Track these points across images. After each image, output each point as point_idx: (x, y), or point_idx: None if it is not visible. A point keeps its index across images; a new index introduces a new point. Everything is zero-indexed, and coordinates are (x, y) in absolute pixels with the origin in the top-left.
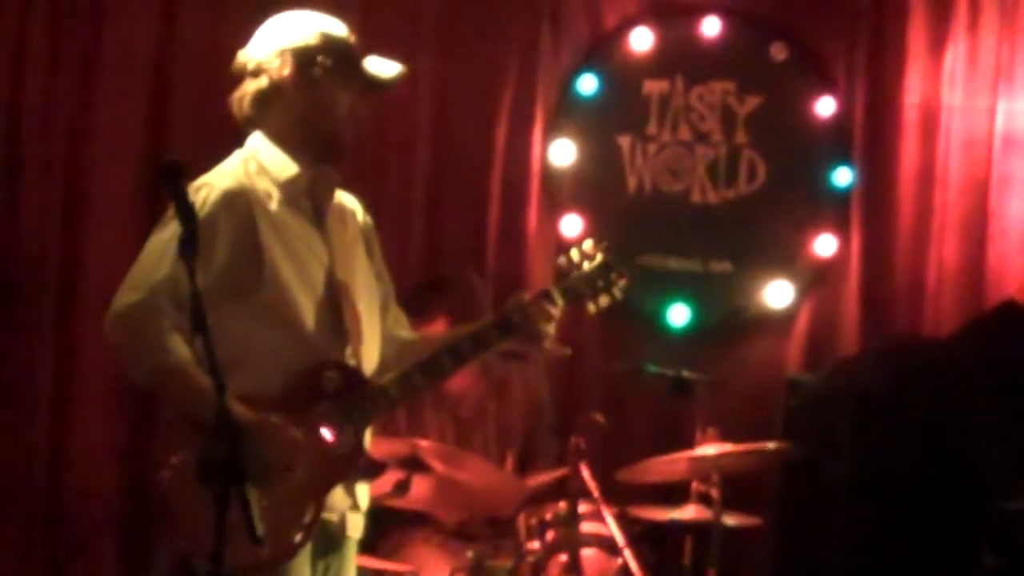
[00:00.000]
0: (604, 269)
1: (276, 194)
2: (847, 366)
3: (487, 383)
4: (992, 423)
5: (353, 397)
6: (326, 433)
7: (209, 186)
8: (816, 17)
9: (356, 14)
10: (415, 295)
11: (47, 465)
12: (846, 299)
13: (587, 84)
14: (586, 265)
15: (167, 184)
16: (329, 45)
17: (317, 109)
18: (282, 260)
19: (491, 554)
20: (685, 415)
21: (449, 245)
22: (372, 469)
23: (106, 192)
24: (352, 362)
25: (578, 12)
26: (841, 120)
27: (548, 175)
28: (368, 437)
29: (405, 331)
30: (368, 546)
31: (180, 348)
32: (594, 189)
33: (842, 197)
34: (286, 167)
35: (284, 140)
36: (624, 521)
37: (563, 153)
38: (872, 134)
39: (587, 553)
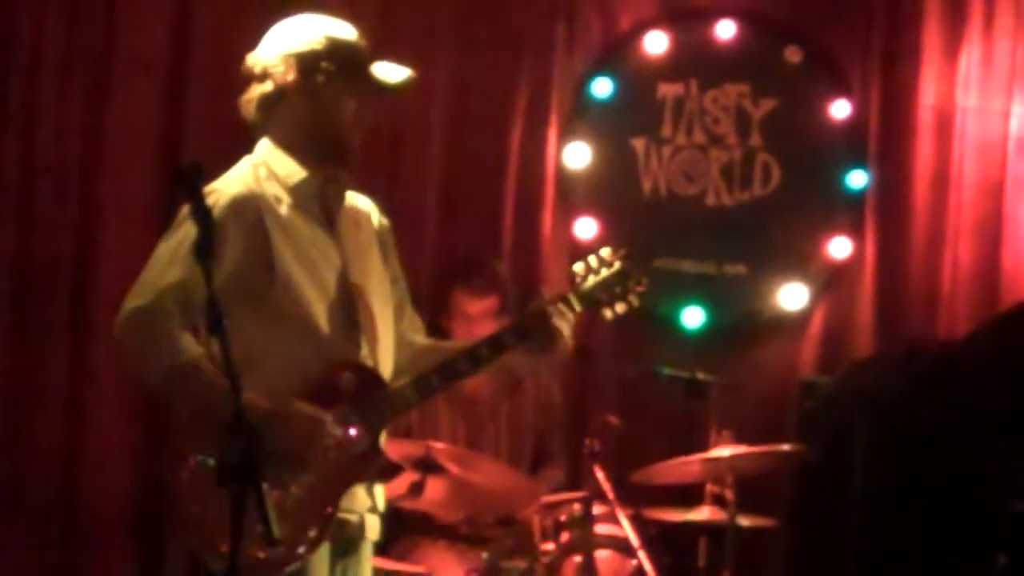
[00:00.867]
0: (622, 276)
1: (286, 198)
2: (861, 369)
3: (500, 382)
4: (1007, 425)
5: (370, 398)
6: (350, 431)
7: (218, 192)
8: (831, 20)
9: (371, 18)
10: (469, 270)
11: (61, 465)
12: (860, 302)
13: (602, 87)
14: (604, 271)
15: (185, 187)
16: (334, 49)
17: (320, 114)
18: (293, 263)
19: (505, 555)
20: (699, 417)
21: (464, 248)
22: (388, 470)
23: (120, 195)
24: (368, 363)
25: (592, 15)
26: (856, 123)
27: (563, 178)
28: (384, 438)
29: (420, 336)
30: (381, 547)
31: (192, 346)
32: (609, 192)
33: (857, 199)
34: (294, 172)
35: (290, 145)
36: (639, 523)
37: (578, 156)
38: (887, 137)
39: (601, 555)
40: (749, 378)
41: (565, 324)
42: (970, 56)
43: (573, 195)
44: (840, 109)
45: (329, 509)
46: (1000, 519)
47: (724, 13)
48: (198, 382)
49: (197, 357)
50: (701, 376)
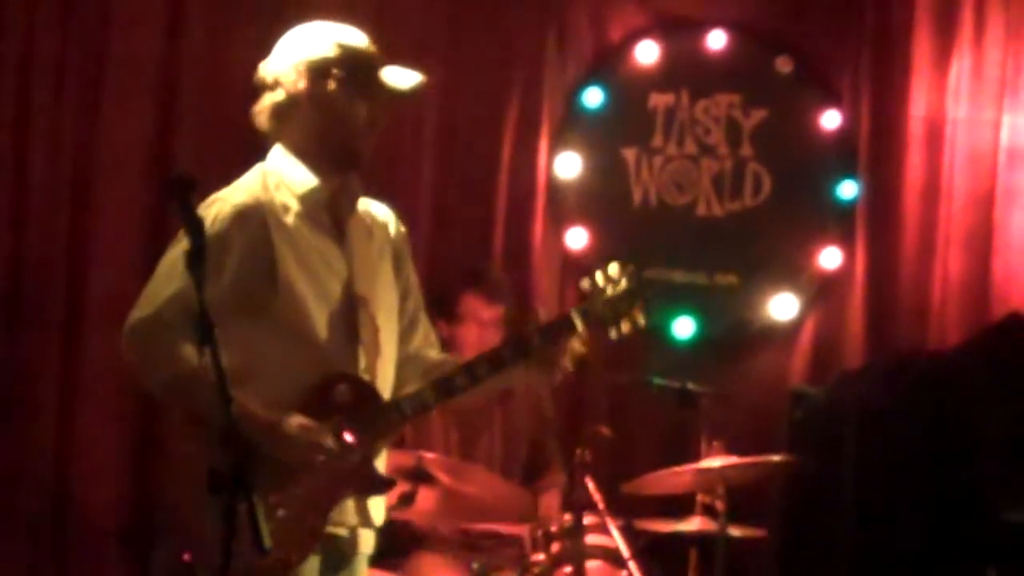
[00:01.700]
0: (628, 295)
1: (295, 207)
2: (852, 379)
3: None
4: (997, 436)
5: (364, 411)
6: (342, 443)
7: (222, 201)
8: (821, 30)
9: (364, 28)
10: (482, 275)
11: (52, 471)
12: (851, 312)
13: (593, 97)
14: (610, 290)
15: (175, 198)
16: (345, 56)
17: (333, 121)
18: (297, 274)
19: (496, 566)
20: (690, 427)
21: (455, 257)
22: (380, 484)
23: (112, 200)
24: (366, 376)
25: (583, 25)
26: (846, 133)
27: (554, 188)
28: (380, 452)
29: (434, 350)
30: (372, 558)
31: (191, 357)
32: (600, 202)
33: (847, 210)
34: (306, 180)
35: (302, 152)
36: (629, 533)
37: (569, 166)
38: (877, 147)
39: (592, 565)
40: (740, 388)
41: (564, 344)
42: (960, 67)
43: (564, 205)
44: (831, 120)
45: (318, 522)
46: (991, 529)
47: (715, 23)
48: (198, 391)
49: (196, 367)
50: (692, 386)
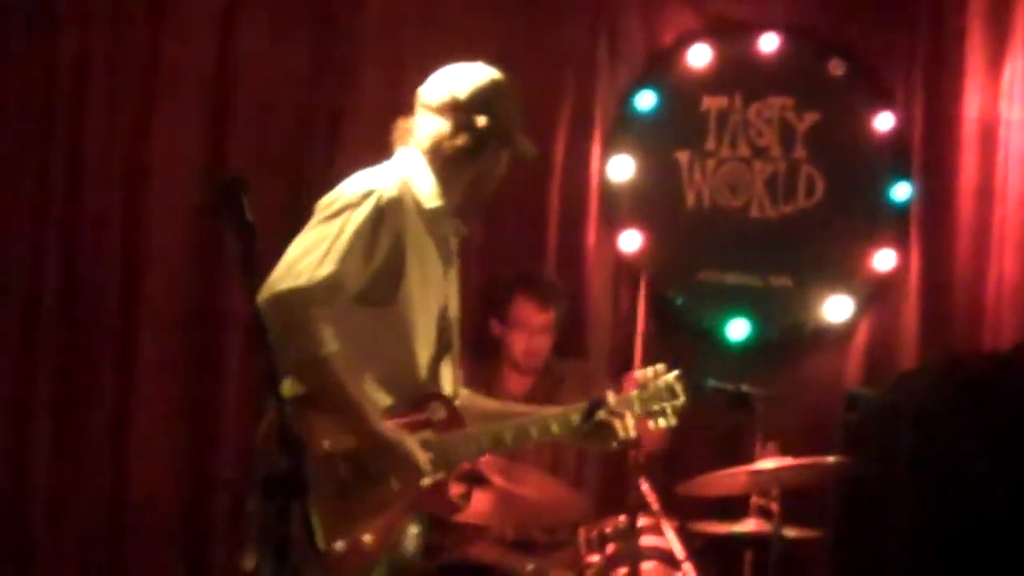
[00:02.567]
0: (668, 391)
1: (418, 219)
2: (907, 380)
3: (543, 385)
4: None
5: (451, 434)
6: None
7: (379, 193)
8: (874, 33)
9: (414, 31)
10: (534, 280)
11: (109, 473)
12: (905, 314)
13: (645, 100)
14: (653, 385)
15: (227, 201)
16: (516, 110)
17: (483, 164)
18: (416, 283)
19: (550, 566)
20: (745, 429)
21: (508, 261)
22: (449, 507)
23: (165, 207)
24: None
25: (636, 29)
26: (899, 135)
27: (606, 191)
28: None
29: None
30: (428, 558)
31: (332, 341)
32: (653, 205)
33: (901, 212)
34: (434, 197)
35: (443, 173)
36: (684, 534)
37: (621, 169)
38: (930, 149)
39: (647, 566)
40: (794, 390)
41: (624, 424)
42: (1013, 68)
43: (617, 208)
44: (884, 122)
45: (393, 530)
46: None
47: (767, 26)
48: (330, 377)
49: (335, 353)
50: (746, 388)
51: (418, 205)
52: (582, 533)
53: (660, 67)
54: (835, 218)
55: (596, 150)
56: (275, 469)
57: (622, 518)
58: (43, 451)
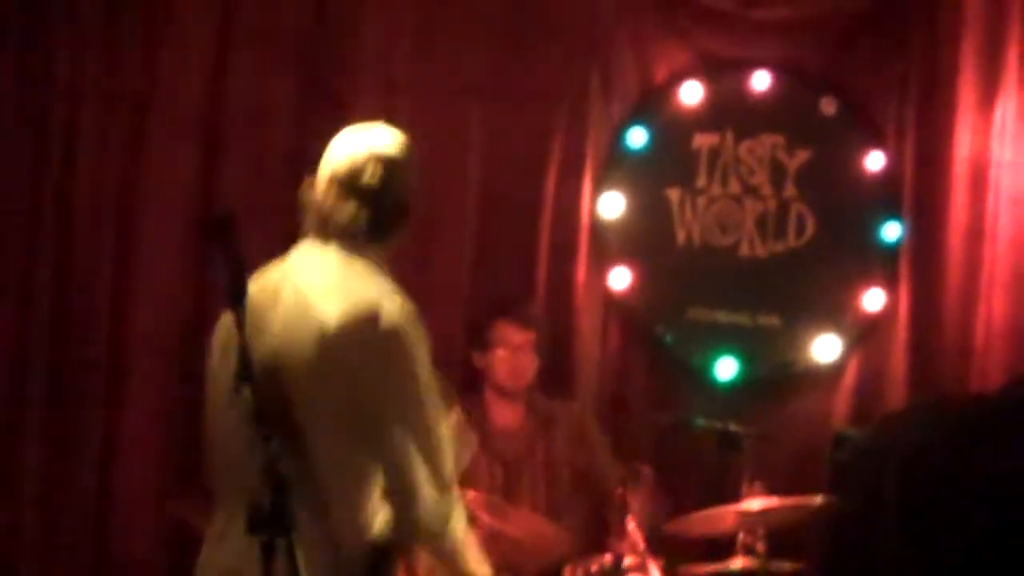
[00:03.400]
0: None
1: None
2: (894, 421)
3: (534, 421)
4: None
5: None
6: None
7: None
8: (866, 72)
9: (407, 63)
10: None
11: (95, 509)
12: (894, 354)
13: (637, 137)
14: None
15: (219, 235)
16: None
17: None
18: None
19: None
20: (732, 468)
21: (497, 297)
22: None
23: (155, 238)
24: None
25: (628, 66)
26: (890, 174)
27: (597, 228)
28: None
29: None
30: None
31: None
32: (643, 242)
33: (891, 252)
34: None
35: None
36: (669, 574)
37: (612, 206)
38: (921, 189)
39: None
40: (782, 430)
41: None
42: (1005, 109)
43: (607, 245)
44: (875, 161)
45: None
46: None
47: (759, 64)
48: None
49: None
50: (734, 427)
51: None
52: (567, 572)
53: (652, 104)
54: (825, 257)
55: (587, 186)
56: (260, 506)
57: (608, 557)
58: (32, 490)
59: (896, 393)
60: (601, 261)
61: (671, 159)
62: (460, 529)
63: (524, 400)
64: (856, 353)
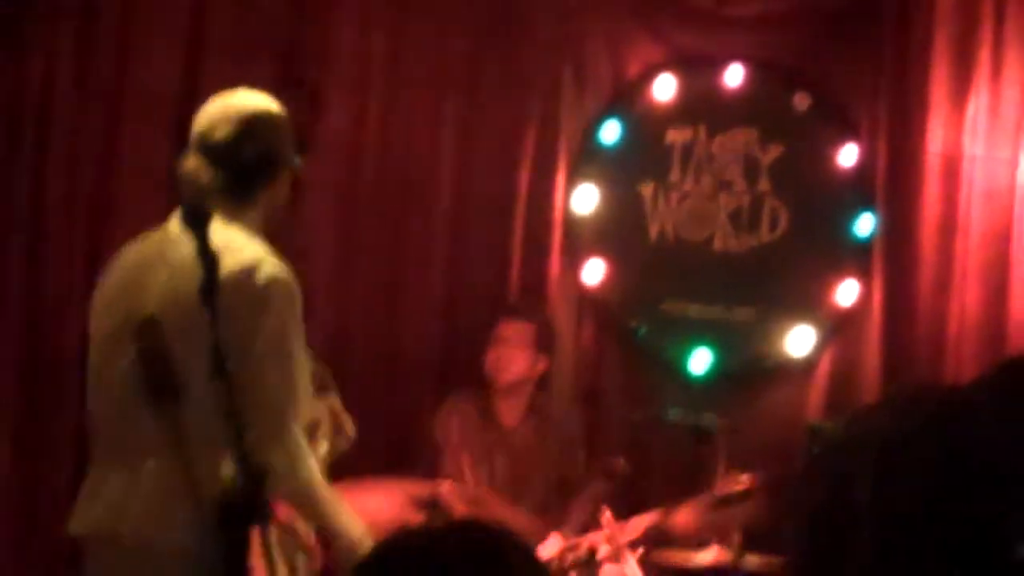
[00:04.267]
0: None
1: None
2: (868, 413)
3: (535, 420)
4: (1012, 472)
5: None
6: None
7: (280, 270)
8: (839, 66)
9: (382, 61)
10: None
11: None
12: (868, 346)
13: (610, 132)
14: None
15: (191, 229)
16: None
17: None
18: None
19: None
20: (706, 460)
21: (472, 290)
22: None
23: (131, 230)
24: None
25: (601, 60)
26: (863, 169)
27: (570, 221)
28: None
29: None
30: None
31: None
32: (616, 236)
33: (864, 245)
34: None
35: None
36: (647, 565)
37: (585, 200)
38: (894, 183)
39: None
40: (755, 422)
41: None
42: (977, 104)
43: (580, 239)
44: (848, 155)
45: None
46: (1004, 565)
47: (733, 58)
48: None
49: None
50: (707, 420)
51: None
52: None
53: (625, 98)
54: (798, 251)
55: (560, 181)
56: (233, 497)
57: (584, 547)
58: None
59: (870, 385)
60: (575, 255)
61: (644, 153)
62: (323, 485)
63: (526, 399)
64: (830, 346)
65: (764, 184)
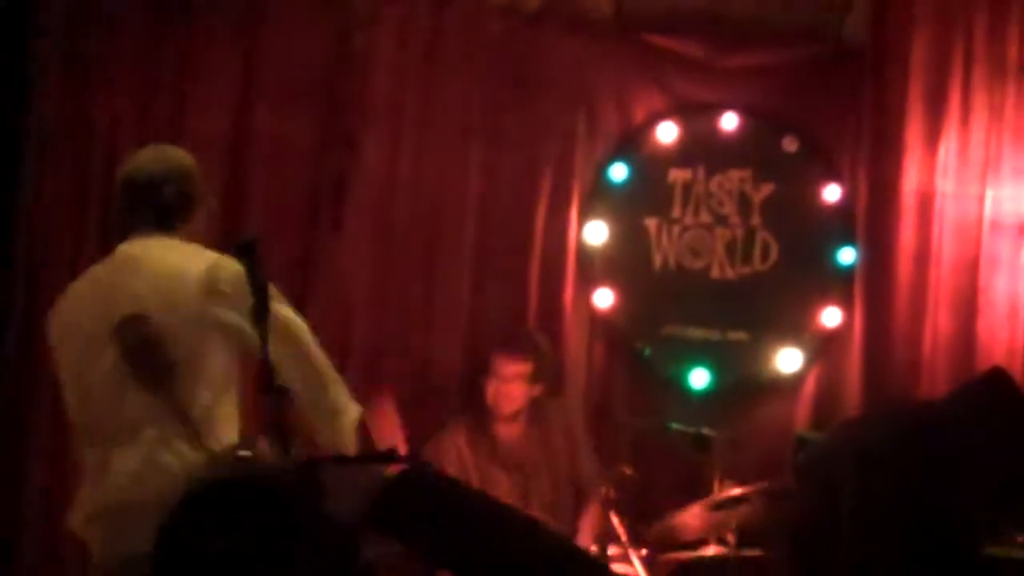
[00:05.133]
0: None
1: None
2: (850, 425)
3: (535, 429)
4: (979, 478)
5: None
6: None
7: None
8: (823, 113)
9: (413, 110)
10: (509, 337)
11: (44, 512)
12: (850, 365)
13: (618, 172)
14: None
15: (242, 259)
16: None
17: None
18: None
19: None
20: (704, 468)
21: (494, 315)
22: None
23: None
24: None
25: (610, 107)
26: (846, 205)
27: (582, 253)
28: None
29: None
30: None
31: None
32: (624, 266)
33: (846, 274)
34: None
35: None
36: (651, 564)
37: (596, 233)
38: (873, 218)
39: None
40: (749, 433)
41: None
42: (948, 146)
43: (592, 268)
44: (832, 193)
45: None
46: (973, 561)
47: (728, 106)
48: None
49: None
50: (706, 431)
51: None
52: None
53: (631, 142)
54: (787, 279)
55: (573, 216)
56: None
57: (593, 548)
58: None
59: (852, 400)
60: (587, 283)
61: (649, 191)
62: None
63: (525, 417)
64: (816, 365)
65: (756, 219)
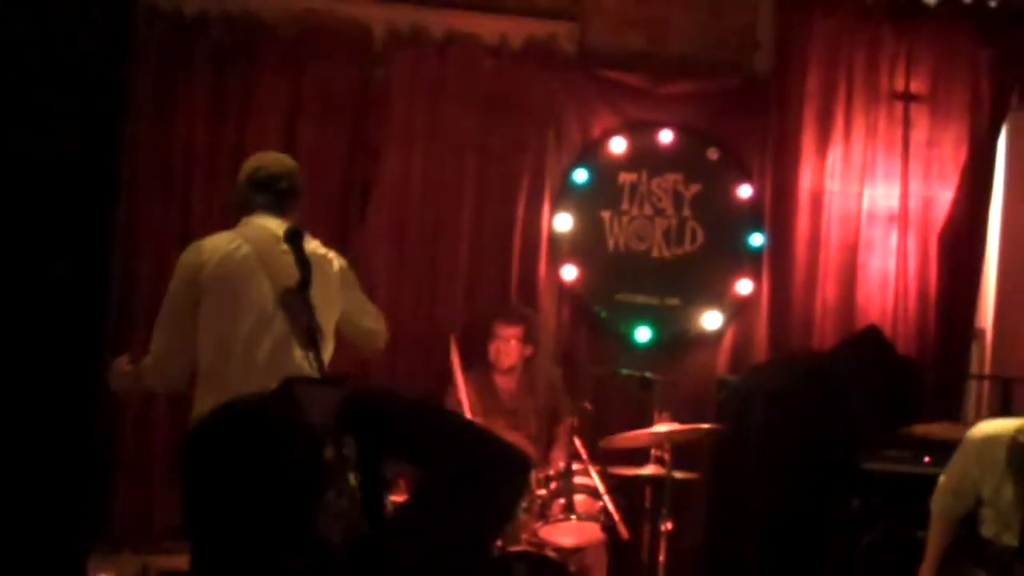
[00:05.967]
0: None
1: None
2: (758, 370)
3: (526, 381)
4: (859, 410)
5: None
6: None
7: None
8: (739, 129)
9: (422, 129)
10: (505, 307)
11: None
12: (759, 324)
13: (580, 175)
14: None
15: (291, 243)
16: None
17: None
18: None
19: None
20: (647, 403)
21: (484, 288)
22: None
23: None
24: None
25: (574, 126)
26: (756, 201)
27: (553, 238)
28: None
29: None
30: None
31: None
32: (585, 247)
33: (756, 254)
34: None
35: None
36: (604, 476)
37: (563, 223)
38: (777, 211)
39: (579, 498)
40: (682, 377)
41: None
42: (835, 155)
43: (560, 250)
44: (745, 191)
45: None
46: (856, 475)
47: (666, 124)
48: None
49: None
50: (649, 375)
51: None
52: (533, 475)
53: (590, 152)
54: (711, 258)
55: (546, 210)
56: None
57: (561, 464)
58: None
59: (760, 351)
60: (556, 261)
61: (604, 191)
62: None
63: (519, 371)
64: (732, 324)
65: (687, 211)
